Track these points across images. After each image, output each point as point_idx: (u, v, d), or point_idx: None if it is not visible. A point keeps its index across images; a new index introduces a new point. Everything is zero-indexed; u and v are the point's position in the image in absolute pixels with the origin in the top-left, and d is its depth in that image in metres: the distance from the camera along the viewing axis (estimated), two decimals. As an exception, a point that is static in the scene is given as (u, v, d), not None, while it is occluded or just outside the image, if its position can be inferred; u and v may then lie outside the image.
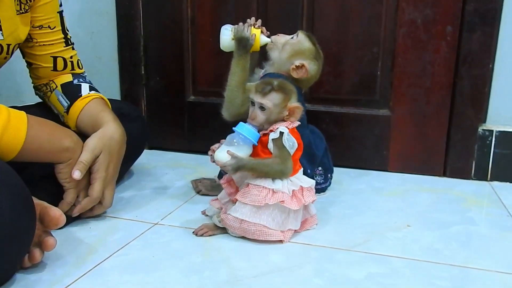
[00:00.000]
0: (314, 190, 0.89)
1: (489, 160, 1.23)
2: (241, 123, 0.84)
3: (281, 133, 0.82)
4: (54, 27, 1.02)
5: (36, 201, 0.74)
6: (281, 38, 1.01)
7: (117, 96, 1.45)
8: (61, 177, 0.86)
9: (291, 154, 0.84)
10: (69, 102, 1.00)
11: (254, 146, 0.84)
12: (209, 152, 0.89)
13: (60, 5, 1.03)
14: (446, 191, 1.16)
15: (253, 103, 0.85)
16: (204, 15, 1.34)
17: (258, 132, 0.85)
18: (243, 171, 0.83)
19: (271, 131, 0.83)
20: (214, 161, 0.85)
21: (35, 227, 0.70)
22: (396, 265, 0.79)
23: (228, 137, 0.85)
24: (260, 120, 0.84)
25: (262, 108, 0.84)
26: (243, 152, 0.83)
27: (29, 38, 0.99)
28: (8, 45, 0.93)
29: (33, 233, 0.70)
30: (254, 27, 0.97)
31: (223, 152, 0.82)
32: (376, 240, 0.87)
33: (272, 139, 0.83)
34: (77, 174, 0.85)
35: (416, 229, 0.93)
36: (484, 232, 0.93)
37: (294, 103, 0.84)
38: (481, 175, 1.23)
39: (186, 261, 0.79)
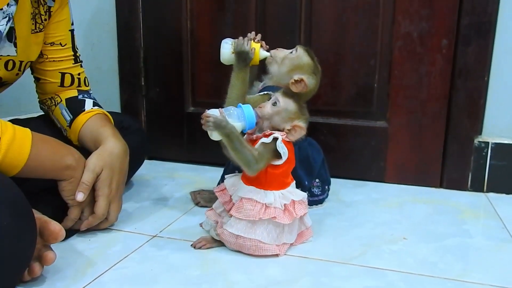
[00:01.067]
0: (306, 203, 0.90)
1: (485, 172, 1.24)
2: (248, 105, 0.85)
3: (275, 139, 0.83)
4: (65, 44, 1.05)
5: (36, 215, 0.74)
6: (280, 53, 1.03)
7: (117, 106, 1.46)
8: (64, 195, 0.87)
9: (277, 164, 0.84)
10: (72, 116, 1.02)
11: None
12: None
13: (72, 24, 1.06)
14: (443, 202, 1.17)
15: (269, 100, 0.87)
16: (203, 27, 1.36)
17: (253, 133, 0.86)
18: (221, 133, 0.80)
19: (265, 135, 0.85)
20: (202, 117, 0.81)
21: (35, 242, 0.71)
22: (392, 279, 0.80)
23: (229, 107, 0.86)
24: (266, 112, 0.85)
25: (274, 103, 0.86)
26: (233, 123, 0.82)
27: (40, 55, 1.02)
28: (21, 62, 0.95)
29: (33, 248, 0.71)
30: (254, 41, 0.98)
31: (215, 111, 0.82)
32: (372, 253, 0.88)
33: (262, 143, 0.84)
34: (80, 197, 0.87)
35: (412, 242, 0.94)
36: (479, 244, 0.94)
37: (301, 123, 0.86)
38: (477, 187, 1.25)
39: (184, 274, 0.80)
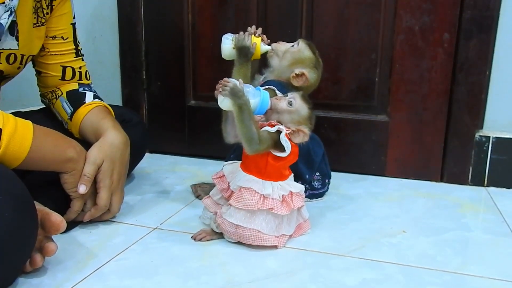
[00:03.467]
0: (304, 196, 0.91)
1: (486, 166, 1.24)
2: (267, 92, 0.86)
3: (278, 132, 0.84)
4: (67, 38, 1.05)
5: (37, 206, 0.75)
6: (282, 46, 1.02)
7: (118, 100, 1.47)
8: (66, 187, 0.88)
9: (280, 156, 0.84)
10: (72, 109, 1.03)
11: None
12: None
13: (74, 18, 1.07)
14: (443, 196, 1.17)
15: (286, 96, 0.87)
16: (204, 21, 1.36)
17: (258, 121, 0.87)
18: (234, 103, 0.80)
19: (270, 125, 0.85)
20: (220, 82, 0.82)
21: (37, 233, 0.72)
22: (390, 271, 0.80)
23: (248, 84, 0.86)
24: (280, 106, 0.85)
25: (290, 102, 0.86)
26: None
27: (42, 48, 1.02)
28: (22, 56, 0.96)
29: (34, 240, 0.72)
30: (254, 35, 0.98)
31: (235, 80, 0.83)
32: (371, 246, 0.89)
33: (266, 130, 0.84)
34: (82, 189, 0.87)
35: (411, 235, 0.94)
36: (478, 238, 0.94)
37: (306, 129, 0.86)
38: (477, 181, 1.25)
39: (184, 266, 0.81)
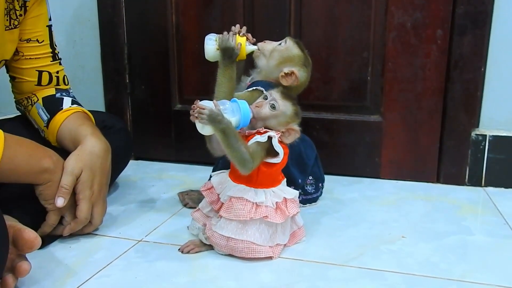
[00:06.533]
0: (298, 202, 0.86)
1: (483, 166, 1.20)
2: (244, 101, 0.79)
3: (269, 138, 0.79)
4: (42, 41, 0.99)
5: (8, 222, 0.69)
6: (268, 45, 0.98)
7: (101, 106, 1.41)
8: (42, 199, 0.82)
9: (272, 162, 0.80)
10: (49, 116, 0.97)
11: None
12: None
13: (49, 19, 1.01)
14: (440, 198, 1.13)
15: (265, 98, 0.81)
16: (189, 21, 1.31)
17: (245, 131, 0.81)
18: (216, 128, 0.74)
19: (259, 133, 0.80)
20: (193, 108, 0.75)
21: (7, 252, 0.66)
22: (392, 281, 0.75)
23: (224, 100, 0.79)
24: (263, 113, 0.80)
25: (272, 106, 0.80)
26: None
27: (16, 52, 0.97)
28: None
29: (5, 259, 0.66)
30: (239, 35, 0.94)
31: (209, 102, 0.76)
32: (371, 254, 0.84)
33: (257, 141, 0.79)
34: (60, 202, 0.81)
35: (411, 241, 0.90)
36: (481, 242, 0.90)
37: (296, 127, 0.81)
38: (475, 181, 1.21)
39: (171, 282, 0.75)
